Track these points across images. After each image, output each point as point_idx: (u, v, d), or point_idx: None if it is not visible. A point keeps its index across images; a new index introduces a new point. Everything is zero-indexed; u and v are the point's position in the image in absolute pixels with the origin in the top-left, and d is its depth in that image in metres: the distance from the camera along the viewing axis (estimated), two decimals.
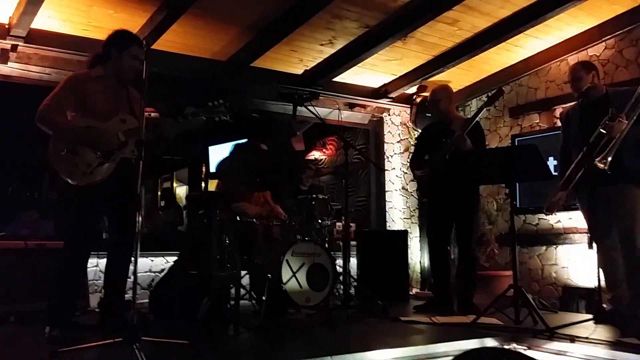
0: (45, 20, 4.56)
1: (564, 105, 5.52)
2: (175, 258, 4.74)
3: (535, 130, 6.05)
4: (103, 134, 3.13)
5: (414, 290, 6.47)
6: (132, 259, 3.23)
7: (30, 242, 4.26)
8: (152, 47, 4.67)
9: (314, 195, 4.65)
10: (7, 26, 4.53)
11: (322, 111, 6.30)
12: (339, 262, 4.81)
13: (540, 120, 6.06)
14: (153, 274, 5.43)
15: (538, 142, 5.60)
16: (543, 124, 6.01)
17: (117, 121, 3.20)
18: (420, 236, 6.87)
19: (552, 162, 5.03)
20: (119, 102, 3.29)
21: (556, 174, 4.11)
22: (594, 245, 3.66)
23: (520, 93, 6.26)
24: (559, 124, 4.72)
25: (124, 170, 3.17)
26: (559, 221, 5.79)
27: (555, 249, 5.79)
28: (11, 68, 4.84)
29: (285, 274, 3.94)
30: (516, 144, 6.02)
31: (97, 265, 4.75)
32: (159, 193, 11.83)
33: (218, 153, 8.20)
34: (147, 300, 4.24)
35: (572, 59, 5.67)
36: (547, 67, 5.97)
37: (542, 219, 5.94)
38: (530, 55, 5.93)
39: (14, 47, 4.64)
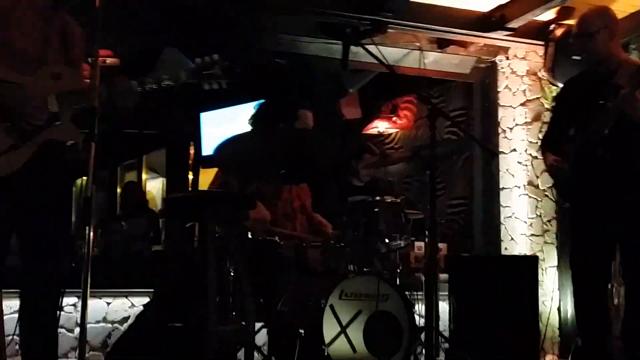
0: None
1: None
2: (145, 299, 4.82)
3: None
4: (23, 97, 3.13)
5: (548, 359, 6.42)
6: (69, 300, 3.30)
7: None
8: None
9: (378, 198, 4.65)
10: None
11: (392, 53, 6.31)
12: (420, 309, 4.81)
13: None
14: (110, 325, 5.54)
15: None
16: None
17: (46, 76, 3.19)
18: (559, 266, 6.81)
19: None
20: (48, 38, 3.30)
21: None
22: None
23: None
24: None
25: (47, 158, 3.21)
26: None
27: None
28: None
29: (330, 328, 3.99)
30: None
31: (17, 312, 4.87)
32: (119, 191, 12.06)
33: (217, 124, 8.31)
34: None
35: None
36: None
37: None
38: None
39: None
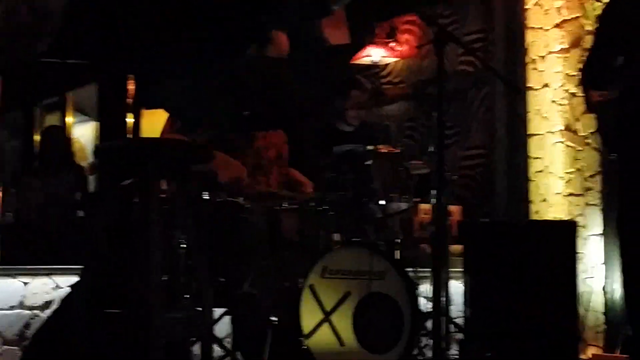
0: None
1: None
2: (73, 277, 4.83)
3: None
4: None
5: (590, 353, 6.50)
6: None
7: None
8: None
9: (371, 147, 4.67)
10: None
11: None
12: (426, 289, 4.85)
13: None
14: (28, 311, 5.56)
15: None
16: None
17: None
18: (605, 234, 6.86)
19: None
20: None
21: None
22: None
23: None
24: None
25: None
26: None
27: None
28: None
29: (309, 315, 4.03)
30: None
31: None
32: (38, 138, 12.04)
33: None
34: None
35: None
36: None
37: None
38: None
39: None
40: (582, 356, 6.12)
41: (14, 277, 5.54)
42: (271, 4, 6.93)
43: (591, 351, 6.53)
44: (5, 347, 5.23)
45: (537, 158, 7.08)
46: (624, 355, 5.77)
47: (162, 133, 4.86)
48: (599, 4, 6.63)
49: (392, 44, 8.98)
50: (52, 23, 3.40)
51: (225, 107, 4.23)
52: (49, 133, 9.80)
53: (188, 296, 3.93)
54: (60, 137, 9.42)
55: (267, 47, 4.92)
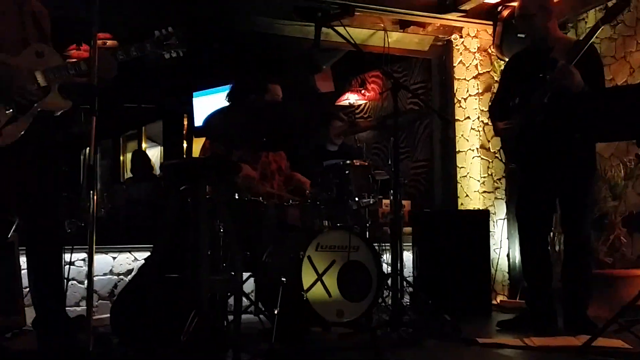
0: None
1: None
2: (146, 253, 4.82)
3: None
4: (14, 74, 3.13)
5: (499, 299, 6.49)
6: (61, 254, 3.31)
7: None
8: None
9: (349, 161, 4.66)
10: None
11: (360, 34, 6.28)
12: (387, 258, 4.85)
13: None
14: (115, 277, 5.56)
15: None
16: None
17: (31, 55, 3.19)
18: (508, 219, 6.85)
19: None
20: (25, 24, 3.29)
21: None
22: None
23: None
24: None
25: (43, 130, 3.22)
26: None
27: None
28: None
29: (307, 276, 4.00)
30: None
31: None
32: (122, 158, 12.02)
33: (207, 102, 8.31)
34: (109, 315, 4.33)
35: None
36: None
37: None
38: None
39: None
40: (494, 302, 6.12)
41: (106, 253, 5.54)
42: (271, 65, 6.91)
43: (500, 298, 6.53)
44: (100, 301, 5.23)
45: (462, 167, 7.07)
46: (522, 300, 5.78)
47: (203, 149, 4.85)
48: (502, 62, 6.63)
49: (363, 91, 8.97)
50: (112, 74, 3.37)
51: (246, 135, 4.23)
52: (137, 154, 9.78)
53: (225, 265, 3.93)
54: (144, 157, 9.42)
55: (266, 94, 4.89)
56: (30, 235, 3.39)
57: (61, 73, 3.18)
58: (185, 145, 10.23)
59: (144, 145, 11.93)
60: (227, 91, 4.98)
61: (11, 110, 3.12)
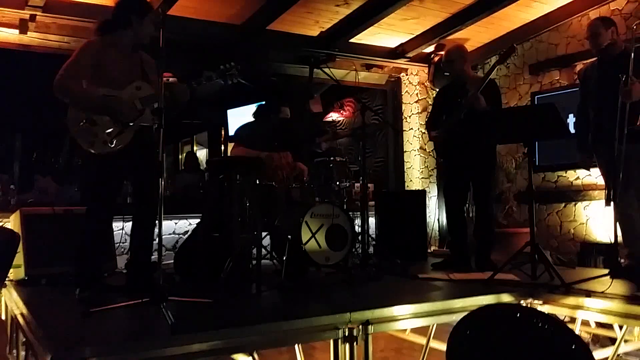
0: None
1: (585, 62, 5.43)
2: (197, 220, 4.83)
3: (556, 87, 5.97)
4: (120, 102, 3.15)
5: (432, 248, 6.53)
6: (156, 221, 3.32)
7: (57, 207, 4.40)
8: (167, 12, 4.68)
9: (332, 158, 4.66)
10: None
11: (339, 73, 6.30)
12: (358, 222, 4.87)
13: (561, 77, 5.97)
14: (177, 235, 5.57)
15: (559, 99, 5.60)
16: (564, 81, 5.92)
17: (132, 89, 3.21)
18: (438, 195, 6.89)
19: (572, 119, 4.99)
20: (132, 69, 3.30)
21: (574, 132, 4.10)
22: (611, 202, 3.65)
23: (540, 49, 6.16)
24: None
25: (142, 137, 3.23)
26: (577, 178, 5.77)
27: (574, 205, 5.79)
28: (31, 37, 4.91)
29: (305, 235, 3.98)
30: (536, 101, 5.96)
31: (122, 229, 4.88)
32: (180, 157, 11.98)
33: (237, 116, 8.27)
34: (172, 261, 4.35)
35: (594, 13, 5.54)
36: (568, 22, 5.86)
37: (561, 176, 5.92)
38: (550, 10, 5.80)
39: (33, 17, 4.70)
40: (429, 250, 6.10)
41: (170, 220, 5.55)
42: (282, 93, 6.90)
43: (433, 248, 6.56)
44: (167, 252, 5.24)
45: (407, 162, 7.10)
46: (447, 249, 5.79)
47: (233, 149, 4.83)
48: (434, 91, 6.65)
49: (341, 111, 8.96)
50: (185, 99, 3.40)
51: (265, 141, 4.23)
52: (188, 155, 9.74)
53: (250, 227, 3.95)
54: (194, 156, 9.39)
55: (280, 113, 4.88)
56: (138, 209, 3.41)
57: (151, 100, 3.18)
58: (222, 147, 10.18)
59: (194, 147, 11.88)
60: (254, 110, 4.95)
61: (118, 123, 3.16)
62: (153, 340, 2.25)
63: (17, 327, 3.23)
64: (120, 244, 4.89)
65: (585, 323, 3.69)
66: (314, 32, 5.90)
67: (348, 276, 3.89)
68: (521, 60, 6.29)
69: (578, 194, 5.75)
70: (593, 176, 5.53)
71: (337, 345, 2.60)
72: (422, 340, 3.69)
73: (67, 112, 3.17)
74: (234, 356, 2.99)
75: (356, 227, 4.39)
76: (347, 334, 2.59)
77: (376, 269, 4.18)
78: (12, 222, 4.36)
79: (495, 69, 4.27)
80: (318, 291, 3.61)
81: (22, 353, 3.23)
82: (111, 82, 3.19)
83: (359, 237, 4.42)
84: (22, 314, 3.03)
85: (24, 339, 2.97)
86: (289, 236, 3.91)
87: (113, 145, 3.15)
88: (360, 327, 2.62)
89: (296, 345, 3.29)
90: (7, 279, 3.94)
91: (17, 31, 4.80)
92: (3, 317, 3.90)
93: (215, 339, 2.30)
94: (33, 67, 5.42)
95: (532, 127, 3.64)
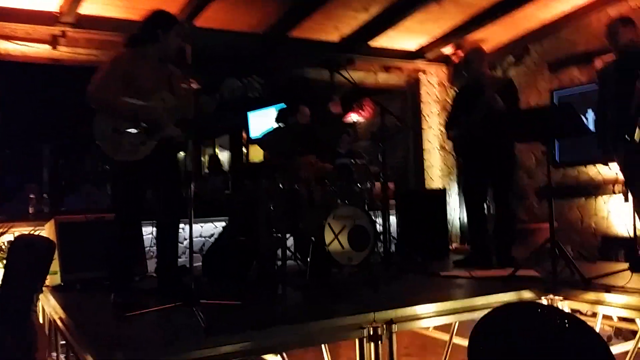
0: (91, 6, 4.75)
1: (604, 57, 5.37)
2: (222, 223, 4.88)
3: (576, 84, 5.92)
4: (147, 113, 3.23)
5: (454, 246, 6.51)
6: (179, 227, 3.41)
7: (89, 215, 4.51)
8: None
9: (352, 161, 4.68)
10: (57, 14, 4.73)
11: (358, 75, 6.35)
12: (379, 222, 4.88)
13: (581, 74, 5.92)
14: (203, 238, 5.64)
15: (578, 96, 5.56)
16: (583, 78, 5.87)
17: (158, 100, 3.28)
18: (459, 193, 6.89)
19: (591, 115, 4.98)
20: (160, 81, 3.36)
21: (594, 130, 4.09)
22: (630, 197, 3.65)
23: (560, 47, 6.11)
24: None
25: (166, 146, 3.31)
26: (598, 172, 5.74)
27: (595, 199, 5.75)
28: (61, 52, 5.05)
29: (328, 236, 3.99)
30: (555, 98, 5.93)
31: (151, 233, 4.94)
32: (202, 159, 12.05)
33: (257, 118, 8.35)
34: (200, 264, 4.42)
35: (613, 10, 5.48)
36: (587, 19, 5.80)
37: (581, 171, 5.89)
38: (569, 9, 5.75)
39: (63, 33, 4.85)
40: (450, 247, 6.06)
41: (196, 223, 5.61)
42: (303, 96, 6.96)
43: (454, 245, 6.56)
44: (194, 254, 5.29)
45: (427, 160, 7.11)
46: (469, 246, 5.77)
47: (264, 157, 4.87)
48: (453, 91, 6.64)
49: (361, 112, 8.98)
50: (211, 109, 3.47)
51: (288, 146, 4.27)
52: (211, 158, 9.84)
53: (275, 229, 4.00)
54: (217, 160, 9.48)
55: (298, 115, 4.90)
56: (161, 214, 3.47)
57: (176, 111, 3.28)
58: (244, 150, 10.23)
59: (216, 150, 11.95)
60: (276, 115, 4.98)
61: (143, 133, 3.23)
62: (187, 343, 2.32)
63: (55, 330, 3.34)
64: (150, 248, 4.98)
65: (607, 317, 3.68)
66: (334, 37, 5.94)
67: (371, 276, 3.90)
68: (541, 58, 6.26)
69: (599, 188, 5.71)
70: (613, 170, 5.49)
71: (362, 344, 2.65)
72: (445, 336, 3.72)
73: (93, 121, 3.23)
74: (264, 356, 3.06)
75: (378, 227, 4.39)
76: (371, 333, 2.63)
77: (398, 268, 4.20)
78: (47, 230, 4.47)
79: (513, 67, 4.26)
80: (342, 291, 3.64)
81: (62, 356, 3.34)
82: (140, 93, 3.26)
83: (381, 237, 4.42)
84: (60, 318, 3.14)
85: (63, 342, 3.07)
86: (313, 238, 3.94)
87: (137, 154, 3.21)
88: (384, 326, 2.66)
89: (322, 344, 3.34)
90: (44, 285, 4.05)
91: (48, 46, 4.95)
92: (41, 321, 4.01)
93: (246, 340, 2.36)
94: (64, 80, 5.56)
95: (550, 127, 3.64)
